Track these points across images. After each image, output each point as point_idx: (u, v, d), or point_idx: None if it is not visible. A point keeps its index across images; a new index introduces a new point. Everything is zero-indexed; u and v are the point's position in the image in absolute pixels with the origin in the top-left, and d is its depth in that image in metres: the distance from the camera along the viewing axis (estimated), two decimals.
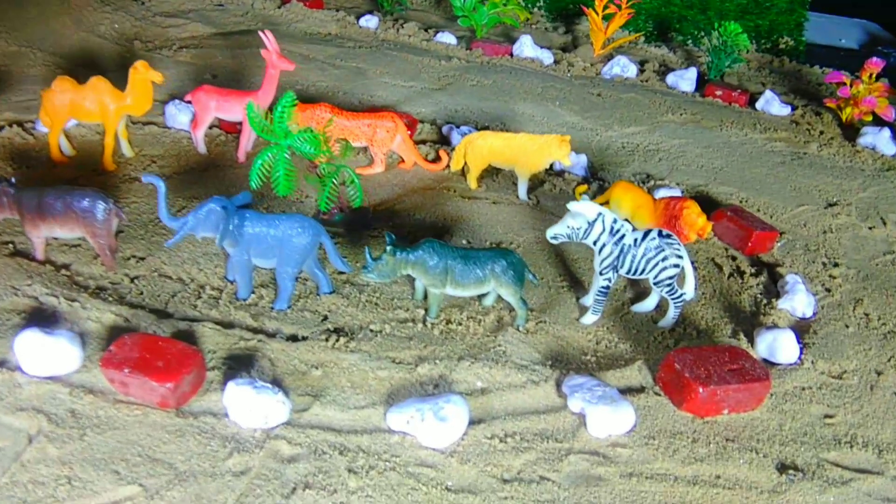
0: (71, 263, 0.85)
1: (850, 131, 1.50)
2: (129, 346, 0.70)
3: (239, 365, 0.74)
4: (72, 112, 1.02)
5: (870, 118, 1.50)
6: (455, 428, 0.67)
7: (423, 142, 1.22)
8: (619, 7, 1.73)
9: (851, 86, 1.53)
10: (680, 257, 0.80)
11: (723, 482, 0.66)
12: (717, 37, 1.69)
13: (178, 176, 1.08)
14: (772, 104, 1.58)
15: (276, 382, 0.71)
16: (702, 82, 1.69)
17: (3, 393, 0.68)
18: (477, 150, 1.09)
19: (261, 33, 1.08)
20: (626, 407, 0.69)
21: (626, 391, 0.73)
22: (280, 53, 1.08)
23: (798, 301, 0.87)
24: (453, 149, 1.19)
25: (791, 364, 0.80)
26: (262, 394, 0.67)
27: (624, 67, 1.69)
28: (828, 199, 1.21)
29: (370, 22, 1.83)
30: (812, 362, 0.80)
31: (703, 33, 1.97)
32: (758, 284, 0.95)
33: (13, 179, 0.85)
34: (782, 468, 0.67)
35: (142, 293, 0.82)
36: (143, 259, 0.87)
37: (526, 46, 1.74)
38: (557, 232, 0.80)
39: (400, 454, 0.66)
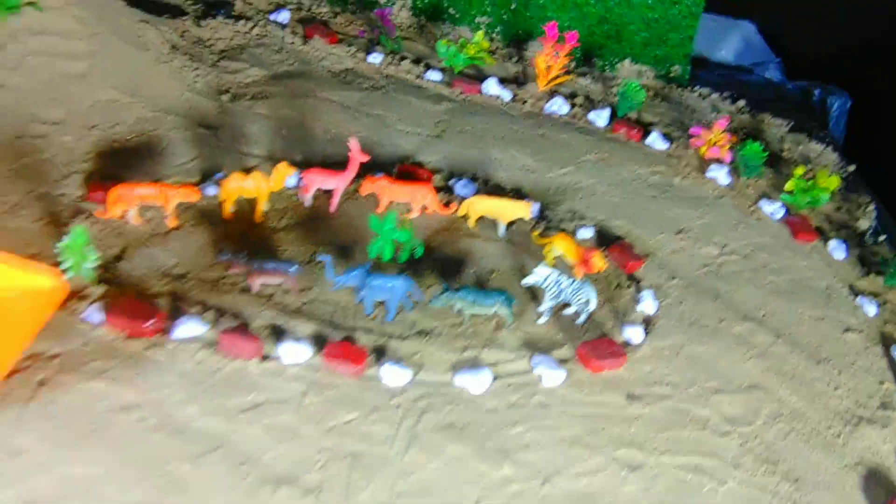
0: (273, 294, 1.60)
1: (704, 164, 2.27)
2: (334, 347, 1.46)
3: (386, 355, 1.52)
4: (240, 192, 1.72)
5: (718, 158, 2.28)
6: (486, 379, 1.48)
7: (438, 189, 1.95)
8: (558, 54, 2.42)
9: (707, 133, 2.28)
10: (587, 293, 1.62)
11: (602, 403, 1.51)
12: (623, 87, 2.42)
13: (297, 223, 1.81)
14: (656, 140, 2.34)
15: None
16: (613, 115, 2.42)
17: (275, 373, 1.44)
18: (475, 208, 1.86)
19: (351, 141, 1.78)
20: (561, 370, 1.53)
21: (561, 361, 1.57)
22: (360, 150, 1.79)
23: (646, 305, 1.72)
24: (460, 198, 1.92)
25: (640, 343, 1.64)
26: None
27: (559, 106, 2.42)
28: (678, 226, 2.01)
29: (376, 59, 2.46)
30: (649, 343, 1.65)
31: (618, 60, 2.68)
32: (629, 294, 1.79)
33: (244, 253, 1.56)
34: (629, 396, 1.53)
35: (317, 312, 1.58)
36: (310, 289, 1.62)
37: (491, 86, 2.43)
38: (526, 282, 1.61)
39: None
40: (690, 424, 1.51)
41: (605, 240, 1.92)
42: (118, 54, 1.95)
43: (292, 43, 2.46)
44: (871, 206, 2.32)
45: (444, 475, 1.32)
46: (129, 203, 1.66)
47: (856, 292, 1.98)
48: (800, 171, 2.18)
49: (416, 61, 2.50)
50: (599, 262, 1.72)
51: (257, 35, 2.46)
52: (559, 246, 1.77)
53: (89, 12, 1.91)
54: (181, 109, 2.01)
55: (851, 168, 2.50)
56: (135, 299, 1.49)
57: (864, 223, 2.25)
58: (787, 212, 2.18)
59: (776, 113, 2.67)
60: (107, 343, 1.42)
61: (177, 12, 2.42)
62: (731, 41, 3.25)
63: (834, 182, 2.16)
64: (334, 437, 1.35)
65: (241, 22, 2.48)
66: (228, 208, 1.74)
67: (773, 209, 2.17)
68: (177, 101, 2.02)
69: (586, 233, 1.93)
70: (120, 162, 1.82)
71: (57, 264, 1.44)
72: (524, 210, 1.85)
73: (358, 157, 1.79)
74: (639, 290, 1.79)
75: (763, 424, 1.55)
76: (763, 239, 2.08)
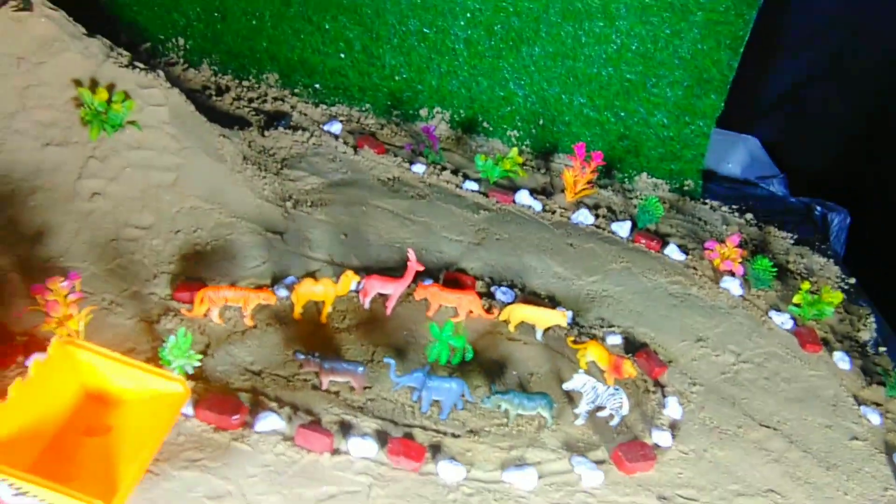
0: (339, 392, 1.76)
1: (718, 274, 2.46)
2: (396, 443, 1.61)
3: (441, 452, 1.67)
4: (310, 296, 1.90)
5: (731, 271, 2.46)
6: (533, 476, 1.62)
7: (481, 295, 2.12)
8: (584, 170, 2.64)
9: (721, 248, 2.47)
10: (621, 398, 1.78)
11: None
12: (643, 201, 2.61)
13: (357, 324, 1.98)
14: (673, 251, 2.53)
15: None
16: (633, 226, 2.61)
17: (345, 466, 1.59)
18: (516, 314, 2.03)
19: (409, 252, 1.98)
20: (599, 471, 1.68)
21: (598, 462, 1.72)
22: (417, 260, 1.98)
23: (672, 410, 1.87)
24: (501, 304, 2.10)
25: (668, 447, 1.79)
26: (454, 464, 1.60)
27: (585, 217, 2.62)
28: (697, 334, 2.19)
29: (419, 168, 2.68)
30: (676, 446, 1.80)
31: (636, 173, 2.89)
32: (655, 397, 1.94)
33: (317, 353, 1.73)
34: (660, 497, 1.67)
35: (379, 409, 1.74)
36: (371, 388, 1.78)
37: (523, 197, 2.64)
38: (566, 387, 1.77)
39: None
40: None
41: (632, 346, 2.09)
42: (201, 166, 2.17)
43: (345, 153, 2.68)
44: (871, 318, 2.49)
45: None
46: (214, 304, 1.84)
47: (860, 402, 2.13)
48: (806, 286, 2.36)
49: (455, 171, 2.73)
50: (629, 368, 1.89)
51: (313, 144, 2.70)
52: (592, 352, 1.94)
53: (179, 130, 2.14)
54: (252, 215, 2.21)
55: (852, 281, 2.69)
56: (221, 394, 1.65)
57: (866, 334, 2.42)
58: (795, 323, 2.35)
59: (781, 226, 2.89)
60: (197, 434, 1.57)
61: (243, 123, 2.67)
62: (737, 155, 3.49)
63: (837, 297, 2.35)
64: None
65: (299, 132, 2.72)
66: (298, 310, 1.92)
67: (782, 320, 2.35)
68: (249, 208, 2.22)
69: (615, 339, 2.10)
70: (200, 264, 2.01)
71: (151, 359, 1.62)
72: (561, 318, 2.03)
73: (414, 267, 1.98)
74: (664, 396, 1.95)
75: None
76: (774, 348, 2.25)
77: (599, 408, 1.84)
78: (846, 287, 2.64)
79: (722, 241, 2.51)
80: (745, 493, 1.75)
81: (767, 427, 1.95)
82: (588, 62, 2.96)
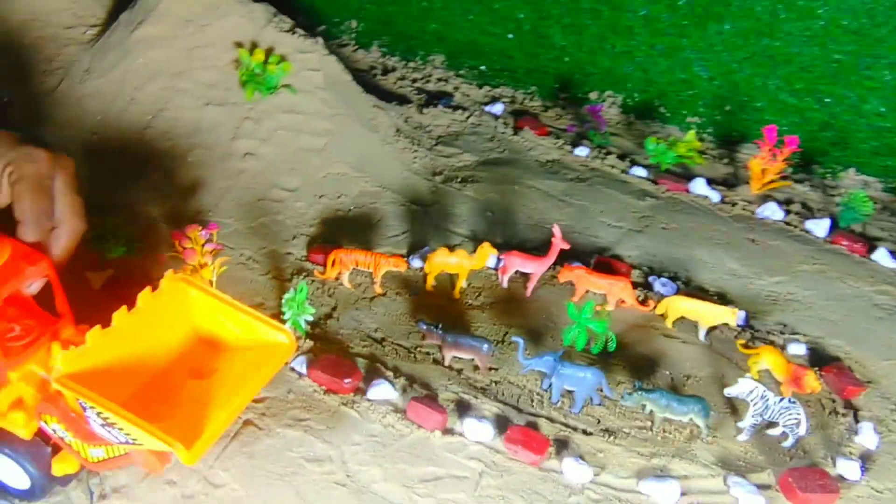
0: (462, 370, 1.60)
1: None
2: (517, 431, 1.43)
3: (568, 448, 1.46)
4: (444, 267, 1.77)
5: None
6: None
7: (635, 285, 1.87)
8: (775, 158, 2.28)
9: None
10: (798, 414, 1.45)
11: None
12: (847, 198, 2.21)
13: (492, 303, 1.81)
14: (883, 257, 2.11)
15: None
16: (833, 226, 2.22)
17: (457, 448, 1.43)
18: (675, 307, 1.76)
19: (554, 228, 1.78)
20: (761, 497, 1.37)
21: (761, 487, 1.41)
22: (562, 238, 1.78)
23: (866, 438, 1.50)
24: (658, 296, 1.84)
25: (855, 481, 1.44)
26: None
27: (773, 211, 2.26)
28: None
29: (582, 151, 2.47)
30: (867, 481, 1.44)
31: (841, 168, 2.48)
32: (846, 421, 1.58)
33: (440, 325, 1.60)
34: None
35: (503, 393, 1.57)
36: (497, 370, 1.61)
37: (699, 186, 2.33)
38: (729, 393, 1.47)
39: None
40: None
41: (820, 359, 1.73)
42: (352, 134, 2.12)
43: (503, 133, 2.55)
44: None
45: None
46: (344, 267, 1.76)
47: None
48: None
49: (622, 157, 2.48)
50: (813, 381, 1.55)
51: (472, 124, 2.58)
52: (767, 359, 1.62)
53: (333, 96, 2.11)
54: (398, 187, 2.13)
55: None
56: (338, 357, 1.56)
57: None
58: None
59: None
60: (308, 394, 1.49)
61: (403, 100, 2.62)
62: None
63: None
64: None
65: (459, 111, 2.62)
66: (431, 281, 1.79)
67: None
68: (396, 179, 2.15)
69: (798, 349, 1.75)
70: (340, 229, 1.96)
71: (276, 315, 1.56)
72: (730, 316, 1.72)
73: (559, 244, 1.78)
74: (857, 421, 1.58)
75: None
76: None
77: (771, 424, 1.52)
78: None
79: None
80: None
81: None
82: (787, 40, 2.57)
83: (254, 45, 2.01)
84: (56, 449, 1.00)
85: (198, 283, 1.20)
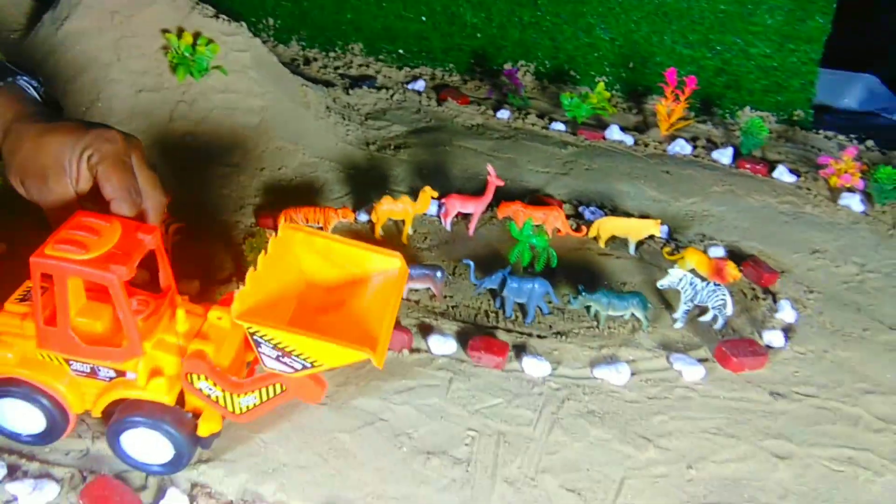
0: (419, 300, 1.71)
1: (835, 193, 2.25)
2: (478, 340, 1.54)
3: (526, 351, 1.58)
4: (390, 214, 1.88)
5: (849, 186, 2.25)
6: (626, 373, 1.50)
7: (568, 216, 2.03)
8: (678, 99, 2.49)
9: (837, 164, 2.26)
10: (724, 295, 1.62)
11: (746, 399, 1.48)
12: (745, 125, 2.44)
13: (438, 244, 1.93)
14: (783, 174, 2.34)
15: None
16: (737, 155, 2.44)
17: (425, 363, 1.53)
18: (605, 227, 1.92)
19: (488, 167, 1.92)
20: (701, 367, 1.52)
21: (700, 360, 1.56)
22: (497, 176, 1.92)
23: (785, 314, 1.69)
24: (587, 222, 2.00)
25: (781, 347, 1.61)
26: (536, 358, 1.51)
27: (682, 147, 2.47)
28: (812, 247, 1.99)
29: (504, 114, 2.62)
30: (790, 347, 1.62)
31: (737, 108, 2.71)
32: (766, 304, 1.76)
33: None
34: (773, 393, 1.49)
35: (460, 315, 1.68)
36: (452, 297, 1.72)
37: (614, 132, 2.52)
38: (661, 284, 1.64)
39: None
40: (840, 421, 1.45)
41: (738, 258, 1.92)
42: (284, 110, 2.21)
43: (428, 105, 2.67)
44: None
45: (588, 454, 1.33)
46: (295, 223, 1.84)
47: None
48: None
49: (541, 116, 2.65)
50: (733, 270, 1.73)
51: (397, 100, 2.70)
52: (691, 259, 1.79)
53: (262, 75, 2.20)
54: (335, 156, 2.23)
55: None
56: None
57: None
58: None
59: None
60: None
61: (327, 84, 2.72)
62: (854, 91, 3.22)
63: None
64: (480, 418, 1.41)
65: (383, 91, 2.74)
66: (378, 230, 1.90)
67: None
68: (332, 150, 2.25)
69: (717, 251, 1.95)
70: (284, 196, 2.04)
71: (234, 274, 1.64)
72: (654, 227, 1.89)
73: (494, 182, 1.91)
74: (776, 301, 1.77)
75: None
76: None
77: (702, 310, 1.69)
78: None
79: (837, 158, 2.29)
80: (874, 391, 1.53)
81: None
82: None
83: (180, 31, 2.08)
84: (196, 414, 1.02)
85: (302, 227, 1.18)
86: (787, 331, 1.68)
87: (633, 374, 1.52)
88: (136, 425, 0.98)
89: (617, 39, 2.90)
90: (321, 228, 1.87)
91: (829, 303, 1.79)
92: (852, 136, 2.70)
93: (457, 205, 1.95)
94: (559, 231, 1.97)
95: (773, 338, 1.63)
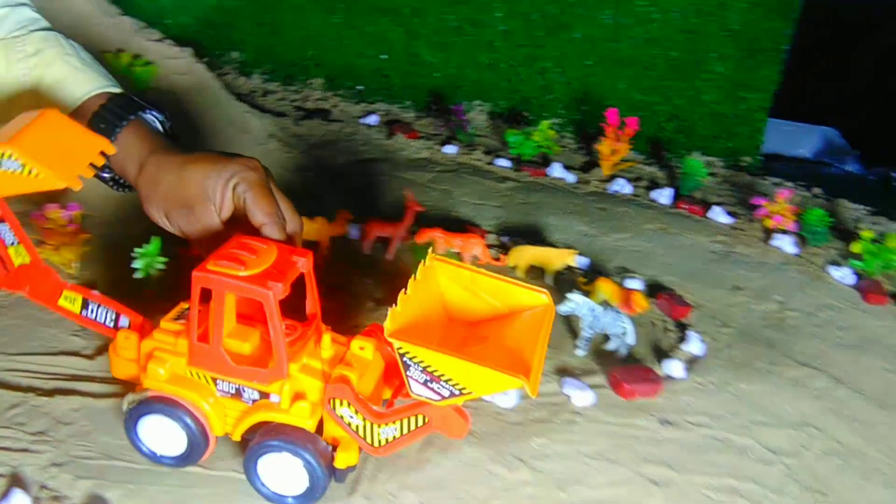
0: None
1: (769, 235, 2.24)
2: None
3: None
4: (304, 235, 1.89)
5: (782, 228, 2.25)
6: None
7: (491, 246, 2.03)
8: (619, 138, 2.52)
9: (770, 205, 2.27)
10: (624, 323, 1.61)
11: (633, 425, 1.45)
12: (685, 166, 2.47)
13: (357, 267, 1.93)
14: (719, 215, 2.34)
15: None
16: (677, 196, 2.46)
17: None
18: (523, 255, 1.92)
19: (406, 192, 1.93)
20: (591, 392, 1.50)
21: (593, 385, 1.54)
22: (416, 202, 1.93)
23: (693, 346, 1.67)
24: (508, 251, 2.00)
25: (682, 378, 1.59)
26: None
27: (622, 186, 2.49)
28: (735, 284, 1.98)
29: (450, 149, 2.66)
30: (691, 378, 1.59)
31: (687, 152, 2.74)
32: (676, 336, 1.75)
33: None
34: (662, 421, 1.46)
35: None
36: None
37: (556, 169, 2.55)
38: (561, 309, 1.62)
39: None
40: (728, 451, 1.41)
41: (655, 291, 1.91)
42: (221, 134, 2.25)
43: (377, 138, 2.72)
44: None
45: (456, 473, 1.30)
46: None
47: None
48: (867, 234, 2.10)
49: (489, 152, 2.69)
50: (641, 300, 1.71)
51: (347, 133, 2.76)
52: (602, 289, 1.78)
53: (203, 99, 2.25)
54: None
55: None
56: None
57: None
58: (859, 278, 2.08)
59: (855, 199, 2.60)
60: None
61: (279, 114, 2.77)
62: (811, 142, 3.25)
63: None
64: None
65: (335, 123, 2.80)
66: None
67: (842, 274, 2.08)
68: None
69: (634, 283, 1.93)
70: None
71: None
72: (569, 257, 1.89)
73: (413, 208, 1.92)
74: (684, 332, 1.75)
75: (814, 458, 1.42)
76: (830, 300, 1.98)
77: (607, 339, 1.67)
78: None
79: (770, 199, 2.29)
80: (770, 423, 1.49)
81: (810, 367, 1.69)
82: (630, 43, 2.89)
83: (119, 51, 2.14)
84: (333, 446, 1.02)
85: (447, 259, 1.16)
86: (691, 362, 1.65)
87: (522, 397, 1.50)
88: (277, 449, 0.97)
89: (571, 83, 2.96)
90: None
91: (741, 338, 1.77)
92: (800, 183, 2.71)
93: (376, 230, 1.96)
94: (479, 260, 1.97)
95: (674, 368, 1.61)
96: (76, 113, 1.15)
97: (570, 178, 2.55)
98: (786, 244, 2.20)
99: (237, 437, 1.01)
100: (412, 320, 0.97)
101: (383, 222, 1.97)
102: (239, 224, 1.04)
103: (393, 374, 1.07)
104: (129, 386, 1.10)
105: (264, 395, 0.98)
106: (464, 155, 2.65)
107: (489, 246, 2.03)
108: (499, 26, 2.97)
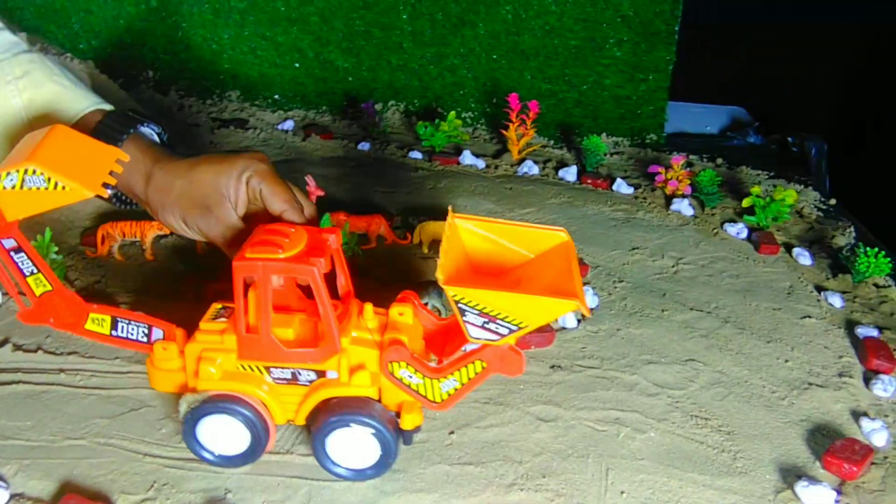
0: None
1: (669, 201, 2.33)
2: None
3: None
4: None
5: (679, 192, 2.34)
6: None
7: (397, 227, 2.07)
8: (524, 123, 2.59)
9: (667, 172, 2.36)
10: None
11: (526, 372, 1.50)
12: (585, 143, 2.54)
13: None
14: (621, 186, 2.42)
15: None
16: (581, 173, 2.53)
17: None
18: (426, 231, 1.97)
19: (307, 177, 1.98)
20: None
21: None
22: (317, 186, 1.97)
23: (587, 299, 1.73)
24: (414, 229, 2.04)
25: (573, 327, 1.65)
26: None
27: (530, 168, 2.56)
28: (633, 245, 2.05)
29: (365, 146, 2.71)
30: (584, 326, 1.65)
31: (595, 135, 2.82)
32: None
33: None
34: (553, 366, 1.52)
35: None
36: None
37: (467, 157, 2.61)
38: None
39: None
40: (615, 387, 1.47)
41: None
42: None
43: (293, 142, 2.75)
44: (851, 228, 2.27)
45: None
46: (112, 240, 1.87)
47: (821, 289, 1.91)
48: (756, 189, 2.20)
49: (402, 147, 2.74)
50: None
51: (262, 138, 2.79)
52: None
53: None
54: None
55: (832, 202, 2.49)
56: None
57: (841, 241, 2.20)
58: (751, 231, 2.18)
59: (755, 166, 2.72)
60: None
61: (194, 125, 2.80)
62: (719, 120, 3.38)
63: (791, 195, 2.17)
64: None
65: (251, 131, 2.83)
66: (202, 245, 1.92)
67: (736, 230, 2.18)
68: None
69: None
70: (116, 219, 2.06)
71: None
72: None
73: (314, 192, 1.96)
74: None
75: (698, 389, 1.48)
76: (724, 253, 2.07)
77: None
78: (826, 208, 2.44)
79: (668, 166, 2.39)
80: (657, 361, 1.56)
81: (700, 311, 1.76)
82: (532, 35, 2.99)
83: None
84: (395, 412, 1.02)
85: (472, 216, 1.19)
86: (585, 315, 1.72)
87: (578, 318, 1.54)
88: (344, 423, 0.96)
89: (479, 77, 3.04)
90: (140, 242, 1.90)
91: (635, 290, 1.84)
92: (704, 155, 2.83)
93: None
94: (386, 241, 2.01)
95: (567, 320, 1.67)
96: None
97: (481, 164, 2.62)
98: (684, 207, 2.29)
99: (301, 422, 1.02)
100: (456, 272, 1.01)
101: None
102: (254, 218, 1.07)
103: (432, 339, 1.12)
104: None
105: (321, 374, 0.98)
106: (378, 150, 2.71)
107: (395, 227, 2.08)
108: (406, 28, 3.04)
